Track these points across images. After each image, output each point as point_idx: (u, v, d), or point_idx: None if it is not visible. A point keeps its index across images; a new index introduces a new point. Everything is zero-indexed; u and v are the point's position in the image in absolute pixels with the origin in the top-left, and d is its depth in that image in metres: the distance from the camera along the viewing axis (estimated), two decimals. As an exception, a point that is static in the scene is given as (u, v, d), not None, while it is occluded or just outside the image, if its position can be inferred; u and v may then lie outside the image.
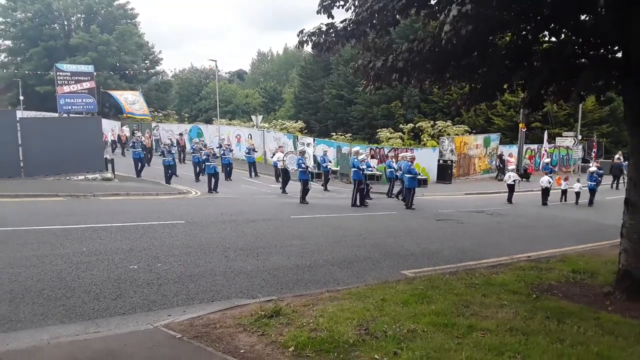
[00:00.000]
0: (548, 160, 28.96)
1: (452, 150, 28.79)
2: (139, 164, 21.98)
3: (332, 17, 7.05)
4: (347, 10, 7.00)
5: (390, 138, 30.83)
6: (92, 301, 5.98)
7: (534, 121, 35.45)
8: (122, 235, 9.63)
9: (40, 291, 6.19)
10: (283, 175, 20.34)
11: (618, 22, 5.41)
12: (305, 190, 16.93)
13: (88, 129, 20.78)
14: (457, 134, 31.12)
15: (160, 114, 48.78)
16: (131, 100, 38.38)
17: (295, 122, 39.48)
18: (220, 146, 25.48)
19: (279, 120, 43.30)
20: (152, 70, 62.37)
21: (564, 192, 21.51)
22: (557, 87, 7.65)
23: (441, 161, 27.80)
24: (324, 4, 6.98)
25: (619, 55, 6.72)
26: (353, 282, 7.41)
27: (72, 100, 25.59)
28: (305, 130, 40.52)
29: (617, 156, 31.13)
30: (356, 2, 6.94)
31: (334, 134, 35.07)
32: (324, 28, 7.08)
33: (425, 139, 31.63)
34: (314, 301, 6.09)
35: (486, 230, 13.43)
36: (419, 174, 18.50)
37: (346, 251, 9.55)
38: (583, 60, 6.78)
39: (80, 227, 10.14)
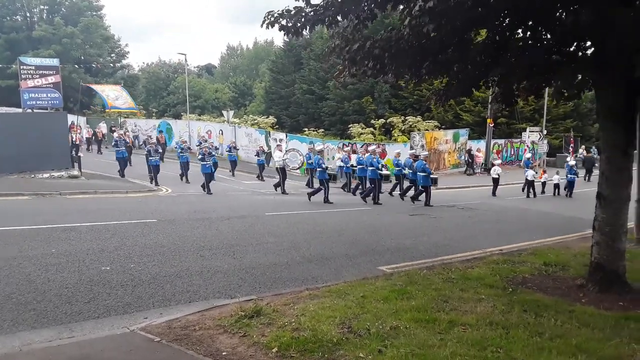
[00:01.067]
0: (530, 155, 29.58)
1: (422, 146, 29.08)
2: (125, 165, 21.28)
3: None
4: None
5: (362, 133, 30.90)
6: (64, 305, 5.76)
7: (501, 117, 36.14)
8: (92, 235, 9.34)
9: (9, 295, 5.94)
10: (281, 174, 19.80)
11: (596, 19, 5.47)
12: (326, 189, 16.80)
13: (53, 124, 20.11)
14: (427, 130, 31.44)
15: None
16: (113, 96, 37.29)
17: (267, 118, 39.11)
18: (200, 144, 24.96)
19: (250, 116, 42.77)
20: (118, 64, 60.77)
21: (544, 184, 22.96)
22: (530, 83, 7.76)
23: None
24: None
25: (589, 52, 6.85)
26: (331, 279, 7.37)
27: (36, 95, 24.65)
28: (277, 126, 40.20)
29: (581, 150, 32.15)
30: None
31: (305, 129, 34.93)
32: (292, 10, 6.88)
33: (396, 135, 31.83)
34: (294, 300, 6.02)
35: (458, 225, 13.61)
36: (432, 173, 18.61)
37: (323, 248, 9.52)
38: (558, 57, 6.86)
39: (48, 227, 9.79)
